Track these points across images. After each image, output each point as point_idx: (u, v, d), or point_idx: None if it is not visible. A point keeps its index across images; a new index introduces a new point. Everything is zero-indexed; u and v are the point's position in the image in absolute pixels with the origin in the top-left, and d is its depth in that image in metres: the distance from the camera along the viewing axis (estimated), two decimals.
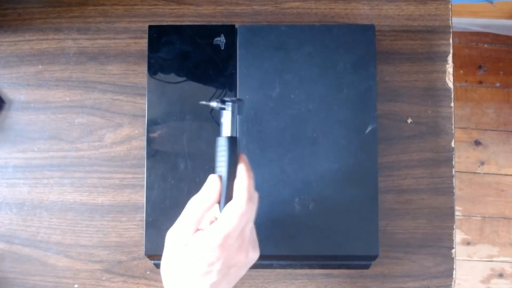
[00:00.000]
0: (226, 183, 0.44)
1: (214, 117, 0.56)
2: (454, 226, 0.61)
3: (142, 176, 0.61)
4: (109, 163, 0.62)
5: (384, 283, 0.61)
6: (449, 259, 0.61)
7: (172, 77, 0.58)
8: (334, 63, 0.57)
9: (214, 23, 0.64)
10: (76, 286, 0.61)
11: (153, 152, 0.56)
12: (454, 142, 0.62)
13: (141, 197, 0.61)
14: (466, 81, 1.46)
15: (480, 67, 1.46)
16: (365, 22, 0.64)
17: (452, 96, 0.62)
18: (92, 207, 0.62)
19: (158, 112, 0.57)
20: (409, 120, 0.62)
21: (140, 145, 0.62)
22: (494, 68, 1.46)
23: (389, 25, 0.64)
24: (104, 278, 0.61)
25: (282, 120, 0.56)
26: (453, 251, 0.61)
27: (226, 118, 0.46)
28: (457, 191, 1.16)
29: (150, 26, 0.58)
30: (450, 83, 0.63)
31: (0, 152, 0.63)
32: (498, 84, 1.46)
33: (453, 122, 0.62)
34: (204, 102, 0.48)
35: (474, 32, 1.44)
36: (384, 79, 0.63)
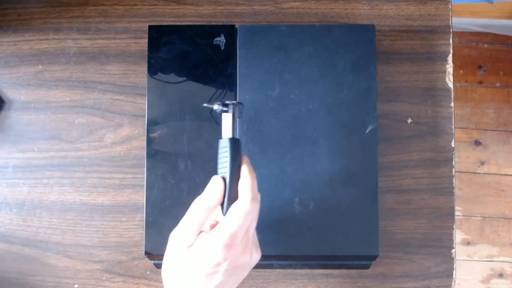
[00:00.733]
0: (229, 184, 0.44)
1: (214, 118, 0.56)
2: (454, 226, 0.61)
3: (142, 176, 0.61)
4: (109, 163, 0.62)
5: (384, 283, 0.61)
6: (449, 259, 0.61)
7: (172, 77, 0.58)
8: (334, 63, 0.57)
9: (214, 23, 0.64)
10: (76, 286, 0.61)
11: (153, 152, 0.56)
12: (454, 142, 0.62)
13: (141, 197, 0.61)
14: (466, 81, 1.46)
15: (480, 67, 1.46)
16: (365, 22, 0.64)
17: (452, 96, 0.62)
18: (92, 207, 0.62)
19: (158, 112, 0.57)
20: (409, 120, 0.62)
21: (140, 145, 0.62)
22: (494, 68, 1.46)
23: (389, 25, 0.64)
24: (104, 278, 0.61)
25: (282, 120, 0.56)
26: (453, 251, 0.61)
27: (228, 120, 0.46)
28: (457, 191, 1.16)
29: (150, 26, 0.58)
30: (450, 83, 0.63)
31: (0, 152, 0.63)
32: (498, 84, 1.46)
33: (453, 122, 0.62)
34: (206, 105, 0.48)
35: (474, 32, 1.44)
36: (384, 79, 0.63)
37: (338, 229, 0.55)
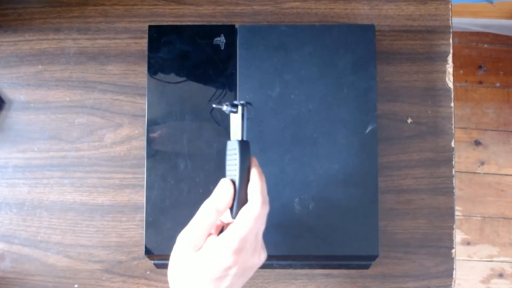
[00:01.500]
0: (238, 187, 0.43)
1: (214, 118, 0.56)
2: (454, 226, 0.61)
3: (142, 176, 0.61)
4: (109, 163, 0.62)
5: (384, 283, 0.61)
6: (449, 259, 0.61)
7: (172, 77, 0.58)
8: (334, 63, 0.57)
9: (214, 23, 0.64)
10: (76, 286, 0.61)
11: (153, 152, 0.56)
12: (454, 142, 0.62)
13: (141, 197, 0.61)
14: (466, 81, 1.46)
15: (480, 67, 1.46)
16: (365, 22, 0.64)
17: (452, 96, 0.62)
18: (92, 207, 0.62)
19: (158, 112, 0.57)
20: (409, 120, 0.62)
21: (140, 145, 0.62)
22: (494, 68, 1.46)
23: (389, 25, 0.64)
24: (104, 278, 0.61)
25: (282, 120, 0.56)
26: (453, 251, 0.61)
27: (237, 121, 0.45)
28: (457, 191, 1.16)
29: (150, 26, 0.58)
30: (450, 83, 0.63)
31: (0, 152, 0.63)
32: (498, 84, 1.46)
33: (453, 122, 0.62)
34: (215, 106, 0.47)
35: (474, 32, 1.44)
36: (384, 79, 0.63)
37: (338, 229, 0.55)
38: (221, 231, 0.47)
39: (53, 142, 0.63)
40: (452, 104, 0.62)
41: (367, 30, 0.58)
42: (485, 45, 1.46)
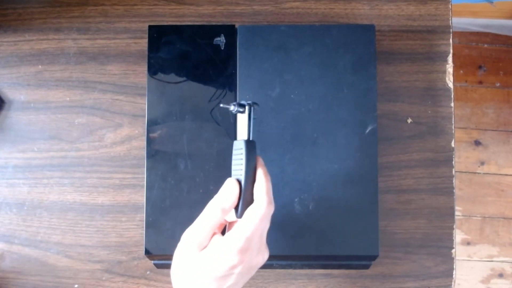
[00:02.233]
0: (244, 187, 0.43)
1: (214, 118, 0.56)
2: (454, 226, 0.61)
3: (142, 176, 0.61)
4: (109, 163, 0.62)
5: (384, 283, 0.61)
6: (449, 259, 0.61)
7: (172, 77, 0.58)
8: (334, 63, 0.57)
9: (214, 23, 0.64)
10: (76, 286, 0.61)
11: (153, 152, 0.56)
12: (454, 142, 0.62)
13: (141, 197, 0.61)
14: (466, 81, 1.46)
15: (480, 67, 1.46)
16: (365, 22, 0.64)
17: (452, 96, 0.62)
18: (92, 207, 0.62)
19: (158, 112, 0.57)
20: (409, 120, 0.62)
21: (140, 145, 0.62)
22: (494, 68, 1.46)
23: (389, 25, 0.64)
24: (104, 278, 0.61)
25: (282, 120, 0.56)
26: (453, 251, 0.61)
27: (243, 121, 0.45)
28: (457, 191, 1.16)
29: (150, 26, 0.58)
30: (450, 83, 0.63)
31: (0, 152, 0.63)
32: (498, 84, 1.46)
33: (453, 122, 0.62)
34: (222, 105, 0.47)
35: (474, 32, 1.44)
36: (384, 79, 0.63)
37: (338, 229, 0.55)
38: (224, 230, 0.47)
39: (53, 142, 0.63)
40: (452, 104, 0.62)
41: (367, 30, 0.58)
42: (485, 45, 1.46)
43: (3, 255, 0.62)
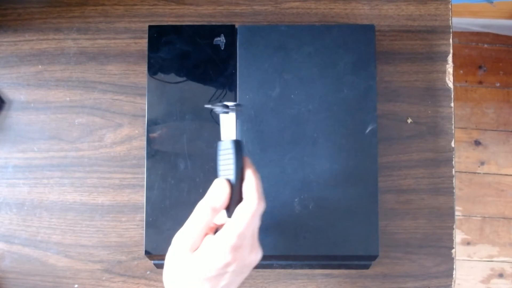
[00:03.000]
0: (234, 187, 0.43)
1: (214, 118, 0.56)
2: (454, 226, 0.61)
3: (142, 176, 0.61)
4: (109, 163, 0.62)
5: (384, 283, 0.61)
6: (449, 259, 0.61)
7: (172, 77, 0.58)
8: (334, 63, 0.57)
9: (214, 23, 0.64)
10: (76, 286, 0.61)
11: (153, 152, 0.56)
12: (454, 142, 0.62)
13: (141, 197, 0.61)
14: (466, 81, 1.46)
15: (480, 67, 1.46)
16: (365, 22, 0.64)
17: (452, 96, 0.62)
18: (92, 207, 0.62)
19: (158, 112, 0.57)
20: (409, 120, 0.62)
21: (140, 145, 0.62)
22: (494, 68, 1.46)
23: (389, 25, 0.64)
24: (104, 278, 0.61)
25: (282, 120, 0.56)
26: (453, 251, 0.61)
27: (229, 121, 0.45)
28: (457, 191, 1.16)
29: (150, 26, 0.58)
30: (450, 83, 0.63)
31: (0, 152, 0.63)
32: (498, 84, 1.46)
33: (453, 122, 0.62)
34: (208, 106, 0.47)
35: (474, 32, 1.44)
36: (384, 79, 0.63)
37: (338, 229, 0.55)
38: (215, 232, 0.47)
39: (53, 142, 0.63)
40: (452, 104, 0.62)
41: (367, 30, 0.58)
42: (485, 45, 1.46)
43: (3, 255, 0.62)
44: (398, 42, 0.63)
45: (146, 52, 0.58)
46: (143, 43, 0.63)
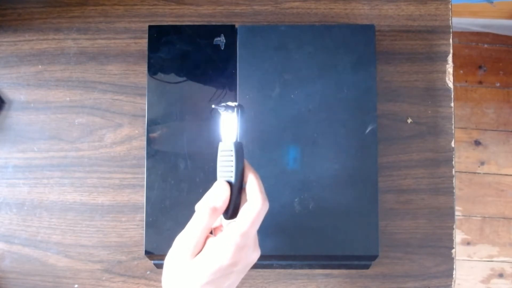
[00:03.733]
0: (235, 189, 0.43)
1: (214, 118, 0.56)
2: (454, 226, 0.61)
3: (142, 176, 0.61)
4: (109, 163, 0.62)
5: (384, 283, 0.61)
6: (449, 259, 0.61)
7: (172, 77, 0.58)
8: (334, 63, 0.57)
9: (214, 23, 0.64)
10: (76, 286, 0.61)
11: (153, 152, 0.56)
12: (454, 142, 0.62)
13: (141, 197, 0.61)
14: (466, 81, 1.46)
15: (480, 67, 1.46)
16: (365, 22, 0.64)
17: (452, 96, 0.62)
18: (92, 207, 0.62)
19: (158, 112, 0.57)
20: (409, 120, 0.62)
21: (140, 145, 0.62)
22: (494, 68, 1.46)
23: (389, 25, 0.64)
24: (104, 278, 0.61)
25: (282, 120, 0.56)
26: (453, 251, 0.61)
27: (231, 123, 0.45)
28: (457, 191, 1.16)
29: (150, 26, 0.58)
30: (450, 83, 0.63)
31: (0, 152, 0.63)
32: (498, 84, 1.46)
33: (453, 122, 0.62)
34: (214, 106, 0.47)
35: (474, 32, 1.44)
36: (384, 79, 0.63)
37: (338, 229, 0.55)
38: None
39: (53, 142, 0.63)
40: (452, 104, 0.62)
41: (367, 30, 0.58)
42: (485, 45, 1.46)
43: (3, 255, 0.62)
44: (398, 42, 0.63)
45: (146, 52, 0.58)
46: (143, 43, 0.63)
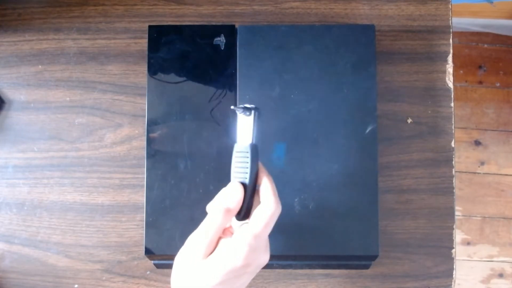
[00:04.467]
0: (248, 190, 0.43)
1: (214, 118, 0.56)
2: (454, 226, 0.61)
3: (142, 176, 0.61)
4: (109, 163, 0.62)
5: (384, 283, 0.61)
6: (449, 259, 0.61)
7: (172, 77, 0.58)
8: (334, 63, 0.57)
9: (214, 23, 0.64)
10: (76, 286, 0.61)
11: (153, 152, 0.56)
12: (454, 142, 0.62)
13: (141, 197, 0.61)
14: (466, 81, 1.46)
15: (480, 67, 1.46)
16: (365, 22, 0.64)
17: (452, 96, 0.62)
18: (92, 207, 0.62)
19: (158, 112, 0.57)
20: (409, 120, 0.62)
21: (140, 145, 0.62)
22: (494, 68, 1.46)
23: (389, 25, 0.64)
24: (104, 278, 0.61)
25: (282, 120, 0.56)
26: (453, 251, 0.61)
27: (246, 125, 0.45)
28: (457, 191, 1.16)
29: (150, 26, 0.58)
30: (450, 83, 0.63)
31: (0, 152, 0.63)
32: (498, 84, 1.46)
33: (453, 122, 0.62)
34: (233, 107, 0.46)
35: (474, 32, 1.44)
36: (384, 79, 0.63)
37: (338, 229, 0.55)
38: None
39: (53, 142, 0.63)
40: (452, 104, 0.62)
41: (367, 30, 0.58)
42: (485, 45, 1.46)
43: (3, 255, 0.62)
44: (398, 42, 0.63)
45: (146, 52, 0.58)
46: (143, 43, 0.63)
